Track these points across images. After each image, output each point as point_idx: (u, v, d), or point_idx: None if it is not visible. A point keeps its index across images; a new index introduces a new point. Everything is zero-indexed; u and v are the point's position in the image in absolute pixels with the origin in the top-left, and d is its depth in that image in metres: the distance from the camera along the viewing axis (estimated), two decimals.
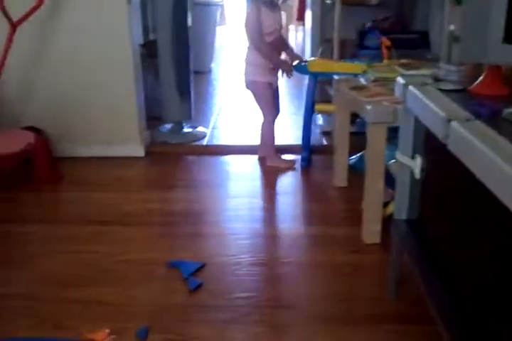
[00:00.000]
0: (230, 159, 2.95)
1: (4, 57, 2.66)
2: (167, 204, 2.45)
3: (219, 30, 5.81)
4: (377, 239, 2.01)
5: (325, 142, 3.11)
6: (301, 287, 1.84)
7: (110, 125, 2.97)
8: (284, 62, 2.74)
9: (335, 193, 2.51)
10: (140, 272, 1.91)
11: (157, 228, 2.24)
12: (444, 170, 1.36)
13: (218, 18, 5.53)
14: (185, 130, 3.35)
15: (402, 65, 2.38)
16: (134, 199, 2.45)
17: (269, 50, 2.66)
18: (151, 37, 3.61)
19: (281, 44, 2.78)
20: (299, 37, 5.99)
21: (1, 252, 2.08)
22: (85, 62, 2.88)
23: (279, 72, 2.76)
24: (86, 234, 2.17)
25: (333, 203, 2.44)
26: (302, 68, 2.66)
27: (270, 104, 2.78)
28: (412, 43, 3.22)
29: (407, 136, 1.50)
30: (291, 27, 6.33)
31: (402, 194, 1.56)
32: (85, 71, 2.90)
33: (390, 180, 2.09)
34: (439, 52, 2.70)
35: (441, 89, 1.33)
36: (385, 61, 2.55)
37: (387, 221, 1.97)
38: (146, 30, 3.54)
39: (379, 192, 1.99)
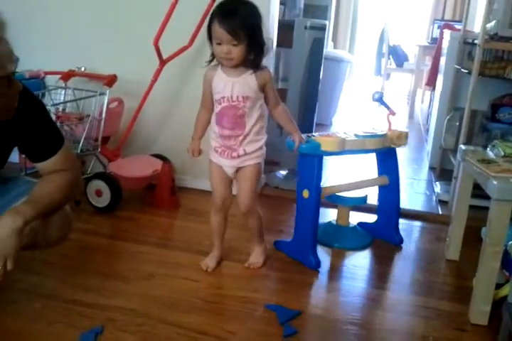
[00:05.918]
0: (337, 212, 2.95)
1: (149, 90, 2.93)
2: (272, 247, 2.50)
3: (345, 86, 5.93)
4: (484, 321, 1.91)
5: (440, 211, 3.04)
6: None
7: None
8: (194, 147, 2.09)
9: (444, 266, 2.42)
10: (239, 309, 1.96)
11: (261, 269, 2.29)
12: None
13: (347, 74, 5.68)
14: None
15: None
16: (242, 237, 2.53)
17: (199, 120, 2.09)
18: (280, 86, 3.80)
19: (283, 120, 2.17)
20: (425, 101, 5.98)
21: (118, 267, 2.25)
22: None
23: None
24: (193, 262, 2.28)
25: (440, 276, 2.35)
26: (311, 147, 2.18)
27: (213, 188, 2.15)
28: None
29: None
30: (419, 91, 6.32)
31: None
32: None
33: (507, 262, 2.01)
34: None
35: None
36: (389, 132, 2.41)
37: (498, 303, 1.89)
38: (276, 79, 3.74)
39: (493, 272, 1.91)
